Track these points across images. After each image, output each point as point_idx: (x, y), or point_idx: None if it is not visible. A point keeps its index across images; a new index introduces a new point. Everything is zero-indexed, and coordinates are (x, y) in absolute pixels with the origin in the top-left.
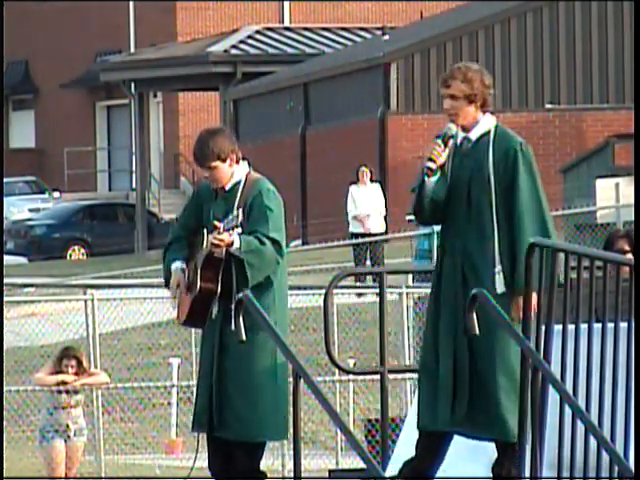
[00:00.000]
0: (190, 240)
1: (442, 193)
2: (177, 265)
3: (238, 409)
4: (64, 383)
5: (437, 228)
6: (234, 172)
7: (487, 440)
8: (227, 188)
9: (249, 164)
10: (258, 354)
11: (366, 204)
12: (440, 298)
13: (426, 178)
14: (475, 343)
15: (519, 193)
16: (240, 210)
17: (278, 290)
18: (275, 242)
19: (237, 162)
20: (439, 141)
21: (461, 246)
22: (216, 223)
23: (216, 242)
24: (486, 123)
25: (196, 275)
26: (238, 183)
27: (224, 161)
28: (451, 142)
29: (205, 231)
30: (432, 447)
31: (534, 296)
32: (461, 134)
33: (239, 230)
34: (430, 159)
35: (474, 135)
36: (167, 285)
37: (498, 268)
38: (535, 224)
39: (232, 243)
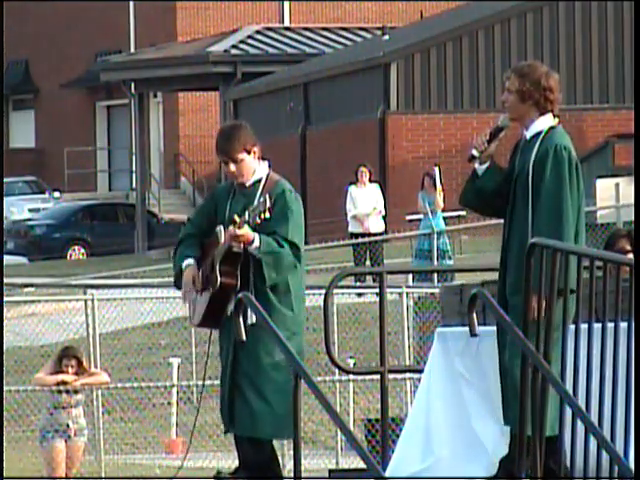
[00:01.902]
0: (202, 241)
1: (491, 184)
2: (189, 262)
3: (252, 406)
4: (64, 383)
5: (437, 228)
6: (257, 168)
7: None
8: (247, 184)
9: (269, 165)
10: (274, 352)
11: (365, 204)
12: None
13: (476, 165)
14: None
15: (541, 193)
16: (267, 195)
17: (296, 296)
18: (294, 245)
19: (259, 159)
20: (487, 130)
21: (505, 241)
22: (235, 217)
23: (235, 236)
24: (542, 124)
25: (214, 271)
26: (259, 181)
27: (249, 153)
28: (501, 134)
29: (222, 227)
30: None
31: (534, 298)
32: (525, 133)
33: (267, 215)
34: (475, 146)
35: (529, 134)
36: (176, 283)
37: None
38: (549, 226)
39: (252, 241)
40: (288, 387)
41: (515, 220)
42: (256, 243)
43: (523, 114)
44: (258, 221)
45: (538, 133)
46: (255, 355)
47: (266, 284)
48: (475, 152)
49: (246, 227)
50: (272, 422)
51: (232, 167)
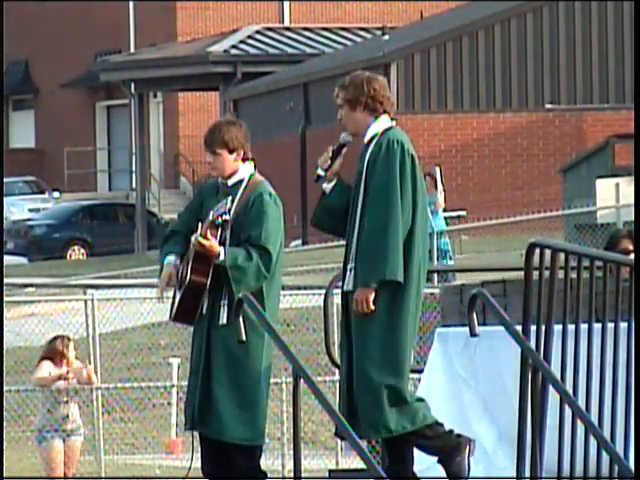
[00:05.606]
0: (188, 237)
1: (338, 201)
2: (170, 259)
3: (218, 407)
4: (61, 377)
5: (438, 229)
6: (238, 169)
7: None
8: (229, 184)
9: (255, 166)
10: (245, 354)
11: None
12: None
13: (324, 184)
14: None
15: (371, 186)
16: (229, 198)
17: (270, 305)
18: (265, 252)
19: (244, 160)
20: (330, 148)
21: (347, 247)
22: (199, 228)
23: (199, 243)
24: (377, 126)
25: (187, 268)
26: (241, 182)
27: (231, 152)
28: (344, 150)
29: (200, 225)
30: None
31: (370, 293)
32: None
33: (227, 217)
34: (319, 165)
35: (366, 139)
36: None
37: (350, 265)
38: (378, 218)
39: (218, 255)
40: (259, 391)
41: (352, 223)
42: (221, 257)
43: (359, 122)
44: (222, 219)
45: (374, 136)
46: (227, 356)
47: (234, 295)
48: (320, 171)
49: (212, 240)
50: (235, 425)
51: (209, 158)
